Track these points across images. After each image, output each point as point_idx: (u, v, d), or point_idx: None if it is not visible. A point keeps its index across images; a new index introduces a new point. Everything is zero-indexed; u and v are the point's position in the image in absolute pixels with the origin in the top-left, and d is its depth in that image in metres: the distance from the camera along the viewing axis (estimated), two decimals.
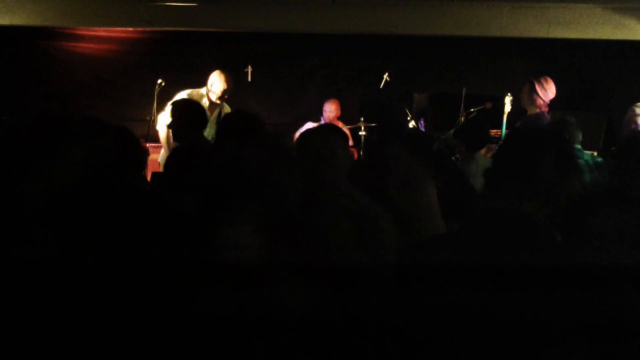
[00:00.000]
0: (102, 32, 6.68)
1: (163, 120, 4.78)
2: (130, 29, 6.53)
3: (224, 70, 5.06)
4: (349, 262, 2.23)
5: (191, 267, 1.91)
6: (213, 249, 1.81)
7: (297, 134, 4.59)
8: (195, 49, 6.68)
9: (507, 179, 1.55)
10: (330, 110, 6.34)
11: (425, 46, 6.53)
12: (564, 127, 3.78)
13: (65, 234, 2.01)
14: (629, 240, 1.72)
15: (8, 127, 3.39)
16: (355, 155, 6.15)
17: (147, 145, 4.84)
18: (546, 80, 4.55)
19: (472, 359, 1.48)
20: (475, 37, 6.09)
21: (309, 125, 6.28)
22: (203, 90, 5.07)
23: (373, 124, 6.04)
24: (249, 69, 5.82)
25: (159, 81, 5.05)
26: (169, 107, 3.99)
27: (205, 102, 5.05)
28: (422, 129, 6.17)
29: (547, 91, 4.53)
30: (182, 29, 6.32)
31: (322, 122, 6.33)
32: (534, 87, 4.52)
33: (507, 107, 4.68)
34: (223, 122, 3.54)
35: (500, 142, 2.34)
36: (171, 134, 3.79)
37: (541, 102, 4.53)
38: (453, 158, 4.11)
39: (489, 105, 5.31)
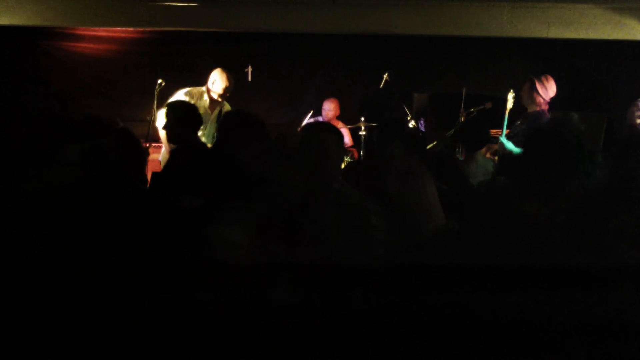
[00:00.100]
0: (102, 32, 6.68)
1: (163, 119, 4.79)
2: (130, 29, 6.52)
3: (224, 68, 5.08)
4: (342, 259, 2.24)
5: (190, 266, 1.91)
6: (210, 248, 1.82)
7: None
8: (195, 49, 6.68)
9: (537, 179, 1.55)
10: (329, 109, 6.35)
11: (425, 46, 6.52)
12: (570, 123, 3.78)
13: (64, 234, 2.01)
14: (629, 240, 1.72)
15: (8, 127, 3.39)
16: (356, 155, 6.16)
17: (147, 145, 4.84)
18: (547, 79, 4.57)
19: (472, 359, 1.48)
20: (475, 37, 6.09)
21: (308, 122, 6.29)
22: (203, 89, 5.08)
23: (373, 124, 6.04)
24: (249, 69, 5.82)
25: (159, 81, 5.05)
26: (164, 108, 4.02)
27: (205, 100, 5.06)
28: (422, 129, 6.17)
29: (548, 89, 4.54)
30: (182, 29, 6.31)
31: (321, 120, 6.34)
32: (535, 85, 4.53)
33: (510, 104, 4.68)
34: (223, 121, 3.56)
35: (523, 144, 2.30)
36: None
37: (541, 100, 4.54)
38: (455, 158, 4.11)
39: (489, 105, 5.32)
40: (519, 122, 4.66)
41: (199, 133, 4.91)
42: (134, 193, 2.45)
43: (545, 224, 1.53)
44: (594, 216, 1.75)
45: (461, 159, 4.53)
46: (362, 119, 6.17)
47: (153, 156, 5.18)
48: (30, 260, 1.96)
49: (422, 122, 6.27)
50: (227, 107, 5.14)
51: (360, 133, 6.12)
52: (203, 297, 1.87)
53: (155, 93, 5.05)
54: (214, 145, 3.66)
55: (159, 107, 5.00)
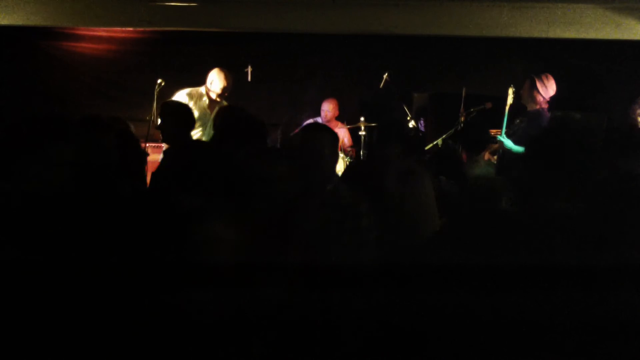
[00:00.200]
0: (102, 32, 6.67)
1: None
2: (130, 29, 6.52)
3: (223, 67, 5.07)
4: (333, 260, 2.24)
5: (188, 266, 1.91)
6: (198, 247, 1.82)
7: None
8: (195, 49, 6.67)
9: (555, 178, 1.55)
10: (328, 110, 6.34)
11: (425, 46, 6.52)
12: (572, 122, 3.80)
13: (64, 234, 2.00)
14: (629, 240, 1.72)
15: (8, 127, 3.39)
16: (354, 155, 6.16)
17: (147, 145, 4.84)
18: (547, 78, 4.58)
19: (472, 358, 1.48)
20: (475, 37, 6.08)
21: (308, 122, 6.29)
22: (202, 89, 5.07)
23: (373, 124, 6.04)
24: (249, 69, 5.82)
25: (159, 81, 5.05)
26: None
27: (205, 101, 5.05)
28: (422, 129, 6.17)
29: (548, 88, 4.56)
30: (182, 29, 6.32)
31: (320, 121, 6.34)
32: (535, 83, 4.54)
33: (510, 99, 4.69)
34: (216, 118, 3.57)
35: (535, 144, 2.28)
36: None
37: (541, 98, 4.56)
38: (460, 156, 4.11)
39: (489, 105, 5.32)
40: (518, 121, 4.67)
41: (199, 133, 4.92)
42: (133, 193, 2.45)
43: (545, 224, 1.53)
44: (594, 216, 1.75)
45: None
46: (362, 119, 6.17)
47: (153, 157, 5.18)
48: (29, 260, 1.96)
49: (422, 122, 6.27)
50: None
51: (360, 133, 6.11)
52: (200, 296, 1.86)
53: (155, 93, 5.05)
54: (208, 143, 3.66)
55: (158, 107, 5.01)
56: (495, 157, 4.65)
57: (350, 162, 5.96)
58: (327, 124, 6.25)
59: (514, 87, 4.73)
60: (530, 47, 6.41)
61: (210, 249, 1.81)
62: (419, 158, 3.22)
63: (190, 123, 3.73)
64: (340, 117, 6.48)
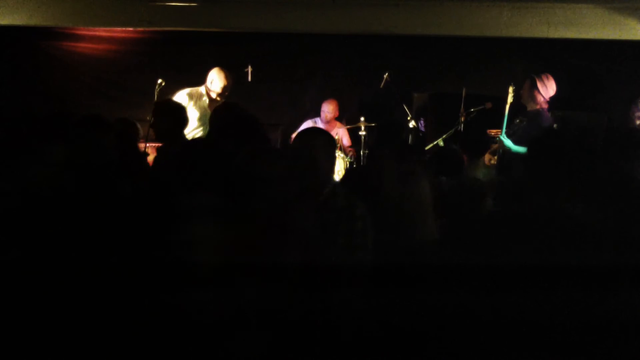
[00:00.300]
0: (102, 32, 6.67)
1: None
2: (130, 29, 6.52)
3: (223, 67, 5.07)
4: (330, 262, 2.24)
5: (188, 266, 1.91)
6: (192, 246, 1.82)
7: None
8: (195, 49, 6.67)
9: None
10: (328, 111, 6.33)
11: (425, 46, 6.52)
12: (573, 124, 3.80)
13: (63, 233, 2.00)
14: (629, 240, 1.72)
15: (8, 127, 3.39)
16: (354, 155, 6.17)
17: (147, 145, 4.84)
18: (547, 78, 4.58)
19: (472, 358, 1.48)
20: (475, 37, 6.09)
21: (308, 123, 6.29)
22: (202, 89, 5.07)
23: (373, 124, 6.04)
24: (249, 69, 5.82)
25: (159, 81, 5.05)
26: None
27: (205, 100, 5.05)
28: (422, 129, 6.17)
29: (548, 88, 4.56)
30: (182, 29, 6.32)
31: (319, 121, 6.33)
32: (536, 83, 4.54)
33: (510, 98, 4.69)
34: (212, 115, 3.55)
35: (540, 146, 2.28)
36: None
37: (541, 98, 4.56)
38: (461, 156, 4.11)
39: (489, 105, 5.32)
40: (518, 120, 4.67)
41: (200, 133, 4.93)
42: (133, 193, 2.45)
43: (545, 224, 1.53)
44: (594, 216, 1.75)
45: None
46: (362, 119, 6.17)
47: (153, 156, 5.17)
48: (29, 260, 1.96)
49: (422, 122, 6.27)
50: None
51: (360, 133, 6.11)
52: (199, 296, 1.86)
53: (155, 93, 5.04)
54: (201, 141, 3.65)
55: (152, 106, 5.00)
56: (495, 157, 4.65)
57: (350, 165, 5.96)
58: (327, 124, 6.25)
59: (514, 87, 4.73)
60: (530, 47, 6.41)
61: (199, 248, 1.81)
62: (419, 158, 3.21)
63: (183, 121, 3.72)
64: (340, 117, 6.48)
